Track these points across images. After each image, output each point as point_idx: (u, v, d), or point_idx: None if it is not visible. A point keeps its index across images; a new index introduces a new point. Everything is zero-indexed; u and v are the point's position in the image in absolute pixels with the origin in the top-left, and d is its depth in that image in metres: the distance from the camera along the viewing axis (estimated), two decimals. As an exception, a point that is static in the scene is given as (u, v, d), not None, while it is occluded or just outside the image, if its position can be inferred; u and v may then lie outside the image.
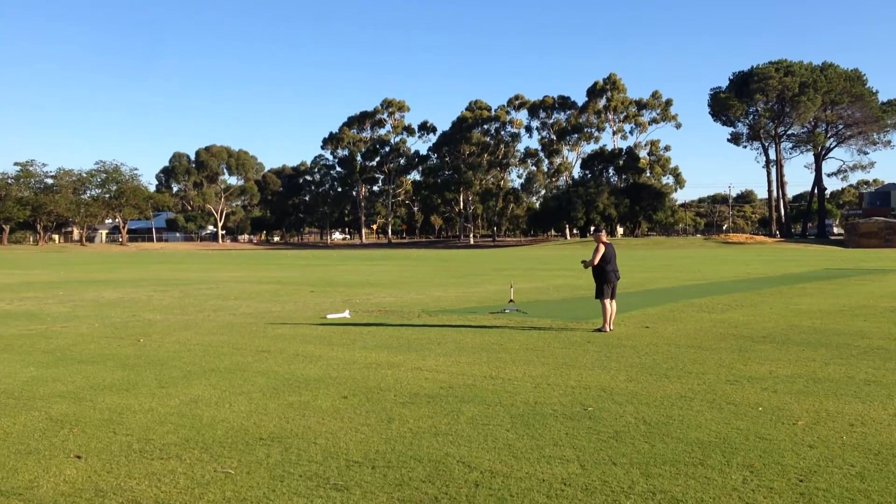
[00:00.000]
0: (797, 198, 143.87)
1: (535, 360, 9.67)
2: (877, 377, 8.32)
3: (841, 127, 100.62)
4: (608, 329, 12.28)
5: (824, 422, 6.40)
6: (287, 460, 5.43)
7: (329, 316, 15.09)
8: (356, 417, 6.68)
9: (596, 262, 12.41)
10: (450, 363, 9.45)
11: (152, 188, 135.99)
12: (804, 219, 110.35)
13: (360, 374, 8.73)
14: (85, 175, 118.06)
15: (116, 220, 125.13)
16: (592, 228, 13.35)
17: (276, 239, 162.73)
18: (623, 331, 12.36)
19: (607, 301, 12.28)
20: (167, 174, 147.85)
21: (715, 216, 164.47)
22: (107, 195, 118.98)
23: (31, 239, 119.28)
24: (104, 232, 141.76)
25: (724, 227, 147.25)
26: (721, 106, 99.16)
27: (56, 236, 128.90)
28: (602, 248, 12.42)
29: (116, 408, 7.11)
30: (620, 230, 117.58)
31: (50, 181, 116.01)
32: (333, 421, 6.56)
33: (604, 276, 12.34)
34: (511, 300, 16.66)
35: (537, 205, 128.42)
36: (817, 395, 7.45)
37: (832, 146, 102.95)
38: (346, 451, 5.62)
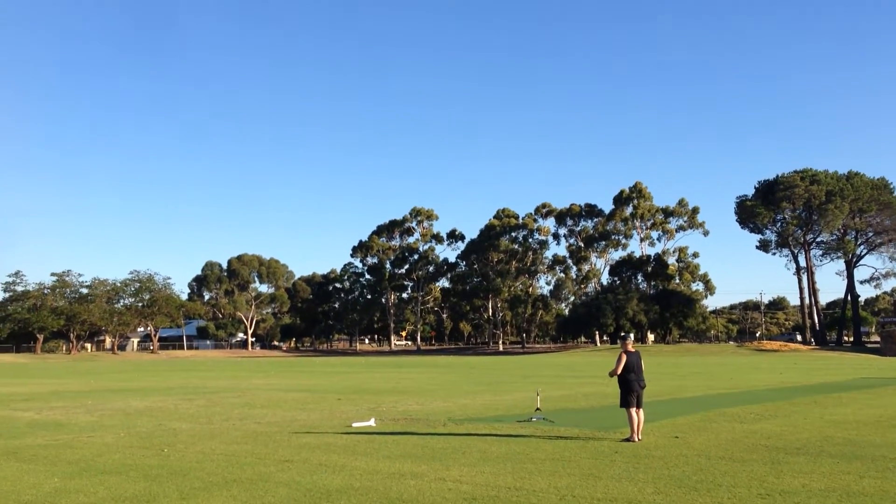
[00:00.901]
0: (830, 304, 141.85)
1: (561, 470, 9.50)
2: (915, 491, 8.04)
3: (871, 234, 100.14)
4: (637, 439, 12.04)
5: (859, 538, 6.18)
6: (304, 575, 5.34)
7: (354, 424, 14.99)
8: (376, 530, 6.58)
9: (619, 370, 12.30)
10: (474, 473, 9.31)
11: (184, 296, 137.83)
12: (839, 326, 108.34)
13: (382, 485, 8.62)
14: (119, 284, 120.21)
15: (148, 328, 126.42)
16: (620, 335, 13.29)
17: (306, 345, 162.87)
18: (652, 441, 12.12)
19: (633, 410, 12.10)
20: (199, 282, 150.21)
21: (747, 323, 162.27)
22: (140, 304, 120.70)
23: (64, 348, 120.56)
24: (136, 340, 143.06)
25: (756, 334, 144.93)
26: (748, 213, 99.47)
27: (88, 345, 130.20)
28: (625, 357, 12.33)
29: (137, 519, 7.07)
30: (651, 337, 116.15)
31: (85, 291, 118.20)
32: (353, 534, 6.46)
33: (628, 384, 12.21)
34: (538, 408, 16.45)
35: (566, 311, 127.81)
36: (852, 509, 7.22)
37: (863, 253, 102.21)
38: (364, 566, 5.52)
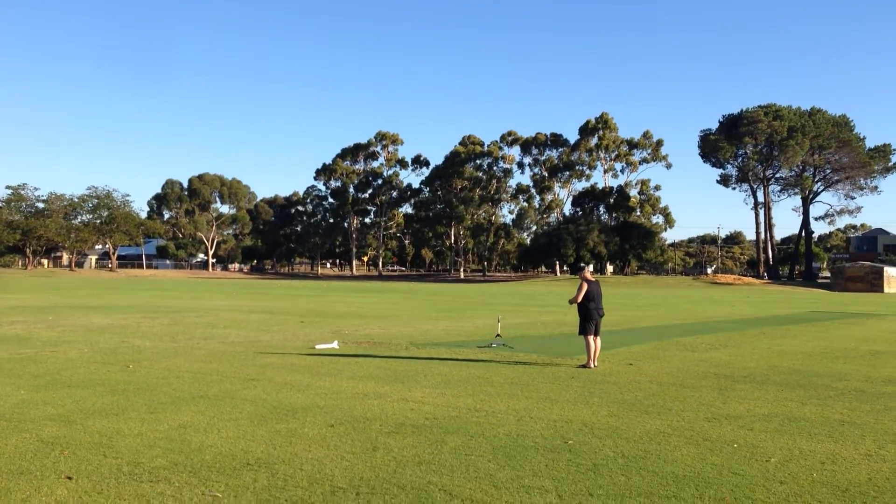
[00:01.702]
0: (785, 240, 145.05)
1: (519, 393, 9.85)
2: (851, 418, 8.53)
3: (828, 171, 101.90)
4: (592, 365, 12.46)
5: (796, 459, 6.59)
6: (273, 485, 5.58)
7: (317, 346, 15.23)
8: (342, 445, 6.84)
9: (579, 299, 12.62)
10: (435, 395, 9.61)
11: (143, 215, 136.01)
12: (792, 261, 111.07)
13: (346, 404, 8.88)
14: (76, 200, 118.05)
15: (107, 246, 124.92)
16: (579, 265, 13.58)
17: (267, 268, 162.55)
18: (607, 367, 12.55)
19: (591, 338, 12.48)
20: (159, 201, 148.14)
21: (704, 256, 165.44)
22: (98, 221, 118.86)
23: (20, 263, 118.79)
24: (94, 258, 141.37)
25: (713, 268, 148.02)
26: (711, 147, 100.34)
27: (45, 261, 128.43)
28: (585, 286, 12.65)
29: (106, 431, 7.24)
30: (610, 268, 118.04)
31: (41, 205, 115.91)
32: (320, 448, 6.71)
33: (587, 313, 12.56)
34: (498, 334, 16.84)
35: (528, 241, 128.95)
36: (792, 433, 7.65)
37: (820, 190, 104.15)
38: (331, 478, 5.78)
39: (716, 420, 8.28)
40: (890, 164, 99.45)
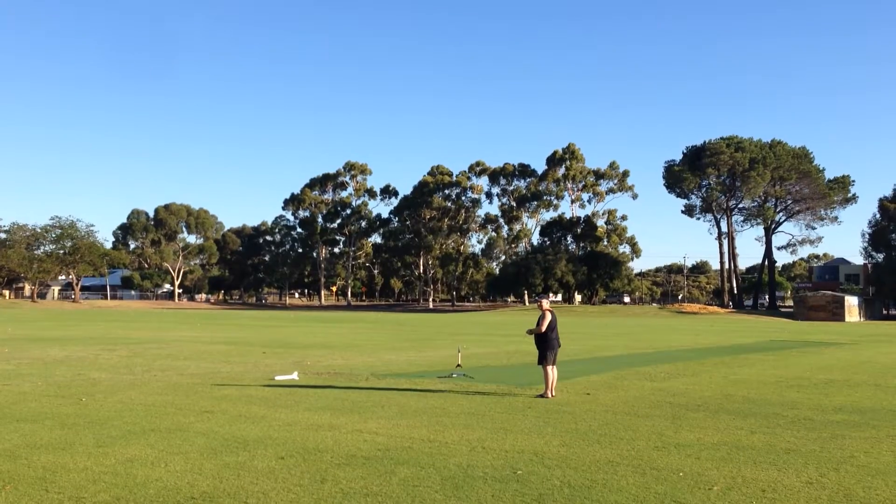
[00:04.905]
0: (750, 269, 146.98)
1: (475, 424, 9.89)
2: (797, 446, 8.68)
3: (790, 202, 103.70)
4: (550, 395, 12.54)
5: (739, 487, 6.71)
6: (216, 519, 5.55)
7: (277, 378, 15.15)
8: (290, 478, 6.82)
9: (543, 329, 12.72)
10: (390, 426, 9.62)
11: (109, 245, 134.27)
12: (756, 290, 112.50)
13: (300, 436, 8.86)
14: (39, 230, 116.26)
15: (70, 276, 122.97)
16: (536, 295, 13.71)
17: (235, 298, 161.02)
18: (564, 397, 12.64)
19: (549, 367, 12.58)
20: (124, 231, 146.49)
21: (671, 286, 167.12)
22: (61, 251, 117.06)
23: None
24: (57, 288, 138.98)
25: (679, 297, 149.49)
26: (675, 178, 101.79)
27: (6, 292, 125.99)
28: (549, 316, 12.76)
29: (51, 466, 7.15)
30: (578, 297, 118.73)
31: (2, 235, 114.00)
32: (267, 481, 6.69)
33: (548, 342, 12.65)
34: (458, 364, 16.87)
35: (497, 270, 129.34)
36: (737, 462, 7.78)
37: (781, 220, 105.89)
38: (275, 511, 5.76)
39: (665, 448, 8.39)
40: (849, 195, 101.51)
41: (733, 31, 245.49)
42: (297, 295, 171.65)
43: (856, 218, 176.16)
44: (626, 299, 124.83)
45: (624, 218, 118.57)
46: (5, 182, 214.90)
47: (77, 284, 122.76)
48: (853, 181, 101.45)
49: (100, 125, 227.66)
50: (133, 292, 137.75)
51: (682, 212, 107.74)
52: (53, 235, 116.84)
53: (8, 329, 36.29)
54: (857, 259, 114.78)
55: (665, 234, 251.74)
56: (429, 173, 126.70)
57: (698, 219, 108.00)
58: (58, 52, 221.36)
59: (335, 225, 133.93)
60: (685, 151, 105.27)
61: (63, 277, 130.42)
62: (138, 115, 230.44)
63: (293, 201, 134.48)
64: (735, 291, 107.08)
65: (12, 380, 14.40)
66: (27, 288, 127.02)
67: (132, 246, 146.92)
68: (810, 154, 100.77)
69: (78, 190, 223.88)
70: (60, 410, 10.62)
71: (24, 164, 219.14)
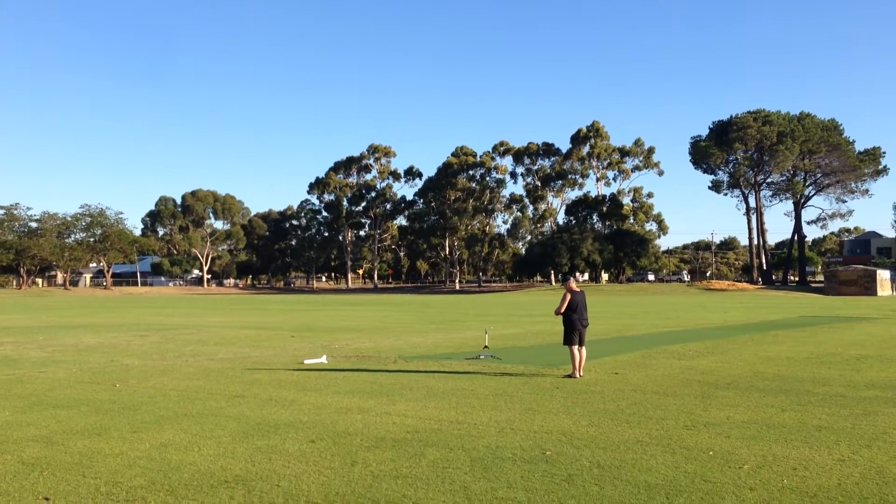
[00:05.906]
0: (779, 245, 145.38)
1: (503, 405, 9.91)
2: (828, 423, 8.61)
3: (819, 175, 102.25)
4: (577, 375, 12.54)
5: (769, 465, 6.67)
6: (249, 502, 5.64)
7: (306, 361, 15.28)
8: (321, 461, 6.90)
9: (562, 309, 12.71)
10: (418, 408, 9.67)
11: (138, 232, 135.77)
12: (785, 266, 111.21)
13: (329, 419, 8.94)
14: (70, 219, 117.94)
15: (101, 264, 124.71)
16: (562, 275, 13.70)
17: (262, 283, 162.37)
18: (592, 377, 12.63)
19: (575, 347, 12.56)
20: (153, 218, 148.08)
21: (698, 263, 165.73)
22: (91, 239, 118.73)
23: (14, 283, 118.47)
24: (88, 276, 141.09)
25: (707, 274, 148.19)
26: (701, 154, 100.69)
27: (39, 280, 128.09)
28: (569, 296, 12.73)
29: (87, 452, 7.29)
30: (605, 276, 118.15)
31: (34, 225, 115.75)
32: (298, 464, 6.77)
33: (571, 323, 12.64)
34: (486, 346, 16.90)
35: (523, 250, 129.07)
36: (768, 440, 7.73)
37: (811, 194, 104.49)
38: (307, 494, 5.84)
39: (694, 428, 8.36)
40: (880, 167, 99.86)
41: (762, 7, 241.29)
42: (323, 278, 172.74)
43: (887, 190, 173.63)
44: (651, 277, 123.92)
45: (650, 195, 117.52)
46: (36, 172, 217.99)
47: (108, 272, 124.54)
48: (884, 153, 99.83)
49: (127, 115, 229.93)
50: (163, 278, 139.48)
51: (710, 188, 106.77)
52: (83, 224, 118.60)
53: (42, 317, 36.94)
54: (889, 232, 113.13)
55: (692, 211, 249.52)
56: (452, 154, 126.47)
57: (726, 194, 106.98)
58: (86, 42, 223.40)
59: (360, 208, 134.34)
60: (711, 126, 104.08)
61: (94, 265, 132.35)
62: (164, 103, 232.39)
63: (318, 185, 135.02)
64: (764, 267, 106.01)
65: (48, 367, 14.67)
66: (59, 276, 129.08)
67: (161, 233, 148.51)
68: (840, 126, 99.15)
69: (106, 178, 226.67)
70: (95, 396, 10.80)
71: (54, 155, 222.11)
